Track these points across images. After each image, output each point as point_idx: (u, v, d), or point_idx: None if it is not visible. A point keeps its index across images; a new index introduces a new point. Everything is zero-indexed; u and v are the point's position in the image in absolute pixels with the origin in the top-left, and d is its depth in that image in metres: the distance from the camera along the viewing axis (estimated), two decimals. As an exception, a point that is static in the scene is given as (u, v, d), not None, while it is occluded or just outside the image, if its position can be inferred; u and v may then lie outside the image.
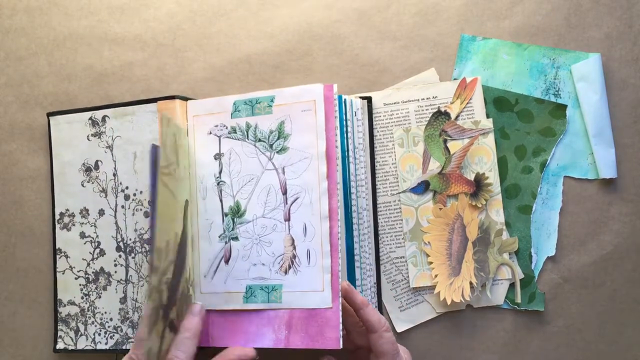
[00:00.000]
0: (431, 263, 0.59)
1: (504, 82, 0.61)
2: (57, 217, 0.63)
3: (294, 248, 0.54)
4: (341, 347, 0.51)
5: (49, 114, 0.63)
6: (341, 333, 0.52)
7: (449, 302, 0.58)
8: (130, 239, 0.60)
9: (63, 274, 0.62)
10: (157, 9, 0.64)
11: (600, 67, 0.60)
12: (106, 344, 0.61)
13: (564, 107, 0.60)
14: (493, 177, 0.60)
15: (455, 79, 0.61)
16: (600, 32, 0.61)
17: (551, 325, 0.59)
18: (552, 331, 0.59)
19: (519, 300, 0.59)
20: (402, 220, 0.60)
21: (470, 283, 0.58)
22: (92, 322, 0.61)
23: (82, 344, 0.61)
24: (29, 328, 0.63)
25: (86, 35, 0.64)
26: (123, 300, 0.60)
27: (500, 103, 0.61)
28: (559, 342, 0.59)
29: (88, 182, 0.62)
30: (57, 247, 0.63)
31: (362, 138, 0.59)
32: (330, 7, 0.63)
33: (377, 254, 0.59)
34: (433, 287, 0.59)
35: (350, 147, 0.57)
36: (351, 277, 0.55)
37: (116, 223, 0.61)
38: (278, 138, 0.55)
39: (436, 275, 0.59)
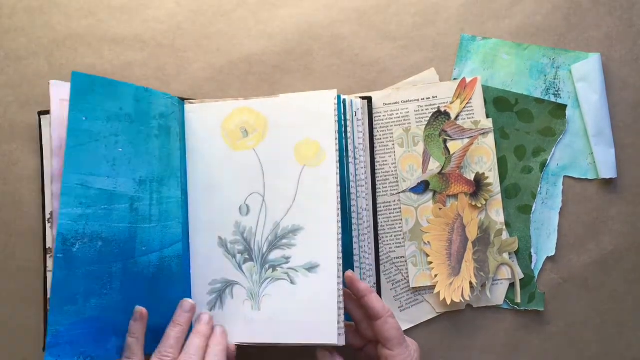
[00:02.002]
0: (431, 263, 0.59)
1: (504, 82, 0.61)
2: (47, 216, 0.62)
3: None
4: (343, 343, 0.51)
5: (40, 113, 0.62)
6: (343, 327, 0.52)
7: (448, 302, 0.58)
8: None
9: None
10: (157, 9, 0.64)
11: (600, 67, 0.60)
12: None
13: (564, 107, 0.60)
14: (493, 177, 0.59)
15: (455, 79, 0.61)
16: (600, 32, 0.61)
17: (551, 325, 0.59)
18: (552, 331, 0.59)
19: (518, 300, 0.59)
20: (402, 220, 0.60)
21: (470, 283, 0.58)
22: None
23: None
24: (30, 328, 0.62)
25: (86, 35, 0.64)
26: None
27: (500, 103, 0.61)
28: (559, 342, 0.59)
29: None
30: (47, 247, 0.62)
31: (362, 138, 0.59)
32: (330, 7, 0.63)
33: (377, 254, 0.59)
34: (433, 287, 0.59)
35: (350, 147, 0.57)
36: (351, 277, 0.55)
37: None
38: None
39: (436, 275, 0.59)
